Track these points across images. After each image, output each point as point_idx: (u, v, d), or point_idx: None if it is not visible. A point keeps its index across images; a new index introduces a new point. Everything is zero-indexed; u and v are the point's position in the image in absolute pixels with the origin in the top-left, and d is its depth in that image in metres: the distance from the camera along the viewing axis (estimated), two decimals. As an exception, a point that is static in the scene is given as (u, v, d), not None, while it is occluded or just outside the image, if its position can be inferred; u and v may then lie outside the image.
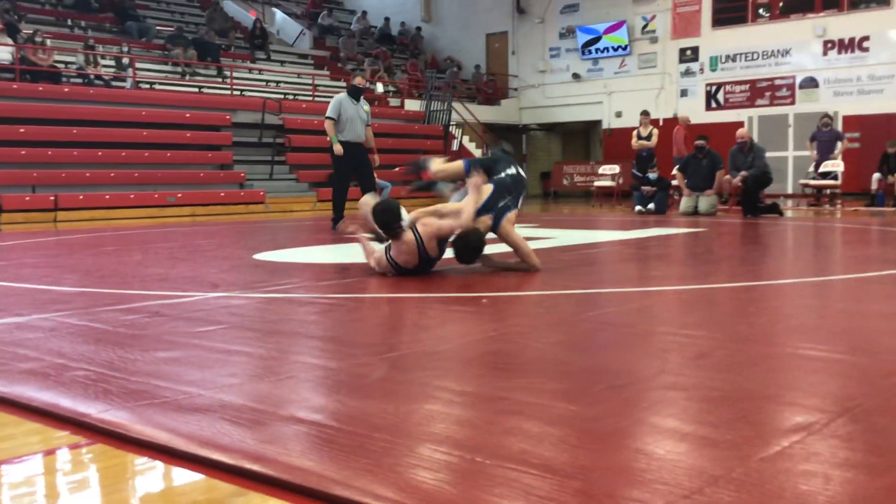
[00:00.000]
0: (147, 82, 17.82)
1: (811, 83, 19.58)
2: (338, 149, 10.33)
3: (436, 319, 4.04)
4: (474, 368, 3.00)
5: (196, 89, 18.38)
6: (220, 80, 19.26)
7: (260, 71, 20.75)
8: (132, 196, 14.65)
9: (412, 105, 22.03)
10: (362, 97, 10.76)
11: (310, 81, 20.81)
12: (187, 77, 18.89)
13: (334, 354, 3.21)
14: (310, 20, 25.88)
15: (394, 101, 22.00)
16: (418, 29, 26.85)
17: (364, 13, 26.93)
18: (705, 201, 12.93)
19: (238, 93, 18.73)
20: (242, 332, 3.63)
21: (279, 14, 25.73)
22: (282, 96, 19.28)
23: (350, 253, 7.54)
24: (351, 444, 2.06)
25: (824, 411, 2.28)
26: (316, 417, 2.29)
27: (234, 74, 19.31)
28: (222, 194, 15.86)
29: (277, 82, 20.50)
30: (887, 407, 2.34)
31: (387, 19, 26.70)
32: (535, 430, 2.14)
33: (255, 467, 1.92)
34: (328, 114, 10.48)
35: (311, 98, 19.98)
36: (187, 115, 16.57)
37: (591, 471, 1.86)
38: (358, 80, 10.89)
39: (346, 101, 10.51)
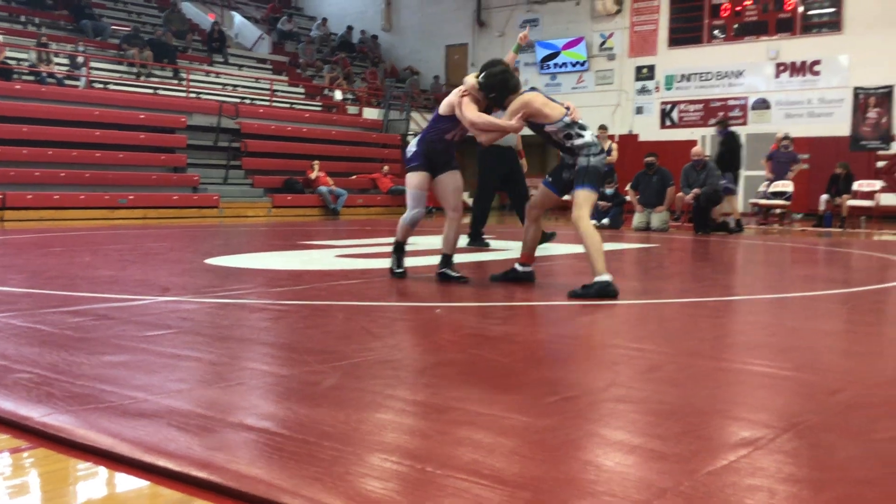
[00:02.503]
0: (101, 82, 17.55)
1: (763, 104, 19.97)
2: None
3: (389, 328, 4.02)
4: (427, 378, 2.99)
5: (151, 90, 18.15)
6: (175, 81, 19.05)
7: (217, 74, 20.56)
8: (82, 197, 14.39)
9: (370, 113, 22.01)
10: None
11: (268, 86, 20.67)
12: (142, 78, 18.64)
13: (286, 361, 3.18)
14: (269, 25, 25.73)
15: (352, 109, 21.95)
16: (374, 37, 26.85)
17: (324, 20, 26.85)
18: (658, 217, 13.11)
19: (194, 95, 18.53)
20: (192, 337, 3.58)
21: (238, 17, 25.53)
22: (239, 100, 19.13)
23: (305, 259, 7.48)
24: (300, 452, 2.03)
25: (771, 427, 2.32)
26: (265, 425, 2.27)
27: (191, 77, 19.12)
28: (175, 197, 15.66)
29: (234, 86, 20.33)
30: (832, 423, 2.39)
31: (350, 28, 26.66)
32: (486, 441, 2.14)
33: (202, 474, 1.89)
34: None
35: (268, 103, 19.85)
36: (141, 116, 16.36)
37: (542, 482, 1.86)
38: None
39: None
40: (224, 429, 2.23)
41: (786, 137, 16.12)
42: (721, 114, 18.67)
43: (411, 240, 6.08)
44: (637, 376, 3.02)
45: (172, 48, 19.96)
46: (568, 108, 5.14)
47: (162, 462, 1.97)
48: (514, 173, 8.99)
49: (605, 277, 4.86)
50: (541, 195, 5.43)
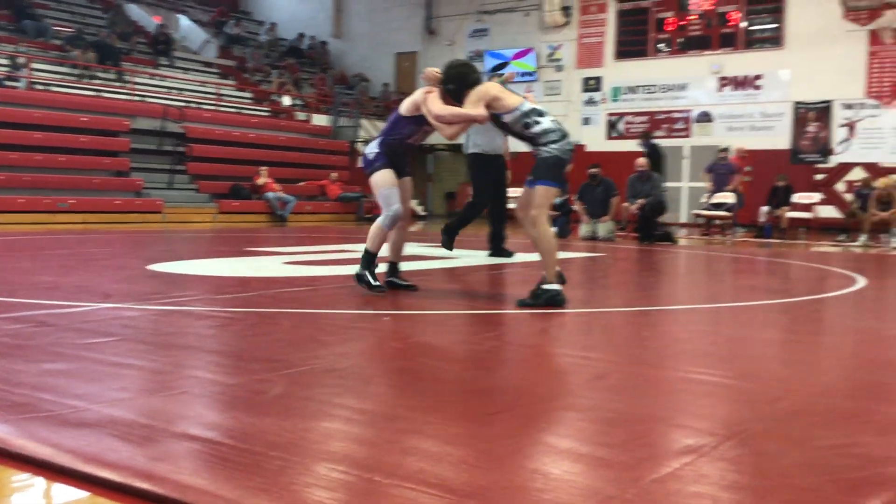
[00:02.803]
0: (43, 83, 17.15)
1: (706, 117, 20.36)
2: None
3: (337, 336, 4.00)
4: (374, 386, 2.98)
5: (94, 93, 17.80)
6: (119, 84, 18.72)
7: (162, 77, 20.25)
8: (22, 200, 14.04)
9: (319, 120, 21.89)
10: None
11: (214, 90, 20.44)
12: (85, 80, 18.28)
13: (231, 370, 3.14)
14: (216, 28, 25.45)
15: (301, 115, 21.82)
16: (324, 43, 26.73)
17: (273, 24, 26.66)
18: (604, 227, 13.26)
19: (138, 98, 18.23)
20: (135, 345, 3.51)
21: (184, 20, 25.20)
22: (184, 104, 18.86)
23: (252, 266, 7.40)
24: (246, 462, 2.01)
25: (713, 434, 2.35)
26: (210, 434, 2.23)
27: (135, 79, 18.81)
28: (118, 202, 15.38)
29: (180, 89, 20.05)
30: (773, 431, 2.43)
31: (301, 35, 26.52)
32: (433, 450, 2.14)
33: (145, 485, 1.85)
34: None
35: (214, 107, 19.62)
36: (84, 118, 16.03)
37: (489, 491, 1.86)
38: (508, 75, 9.26)
39: None
40: (167, 439, 2.19)
41: (723, 149, 16.56)
42: (647, 126, 19.12)
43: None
44: (584, 385, 3.04)
45: (117, 50, 19.62)
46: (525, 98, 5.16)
47: (103, 473, 1.92)
48: (499, 184, 8.87)
49: (555, 287, 4.88)
50: (525, 197, 5.18)
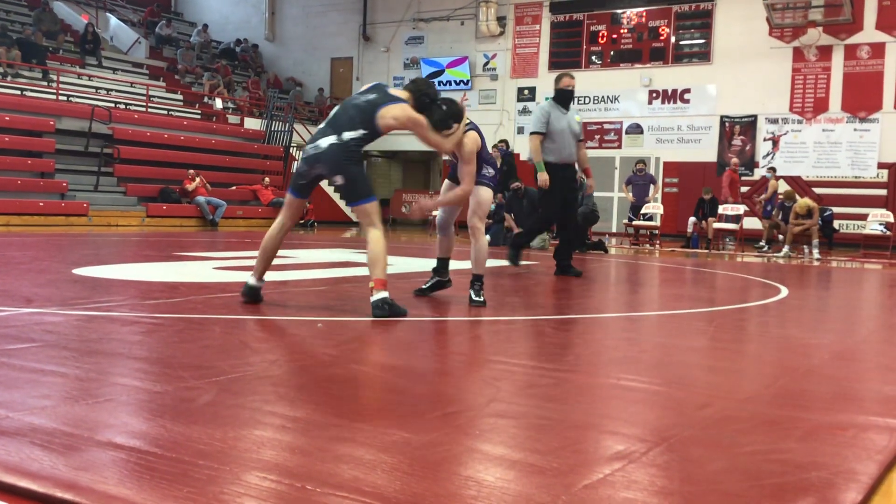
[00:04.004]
0: (-37, 80, 16.61)
1: (636, 129, 20.77)
2: (542, 178, 7.93)
3: (269, 342, 3.94)
4: (307, 393, 2.94)
5: (18, 92, 17.28)
6: (45, 83, 18.21)
7: (90, 77, 19.77)
8: (-62, 201, 13.55)
9: (252, 123, 21.64)
10: (573, 104, 8.26)
11: (143, 91, 20.03)
12: (9, 78, 17.74)
13: (159, 377, 3.06)
14: (146, 29, 24.97)
15: (233, 119, 21.53)
16: (255, 46, 26.44)
17: (205, 26, 26.27)
18: (537, 237, 13.37)
19: (64, 98, 17.76)
20: (57, 351, 3.41)
21: (114, 20, 24.67)
22: (112, 105, 18.44)
23: (181, 271, 7.26)
24: (173, 471, 1.96)
25: (643, 440, 2.39)
26: (136, 443, 2.17)
27: (62, 79, 18.32)
28: (41, 204, 14.94)
29: (108, 90, 19.60)
30: (701, 437, 2.48)
31: (239, 41, 26.18)
32: (367, 458, 2.12)
33: (68, 496, 1.79)
34: (534, 128, 8.08)
35: (144, 109, 19.22)
36: (7, 118, 15.55)
37: (423, 498, 1.85)
38: (565, 81, 8.18)
39: (554, 109, 8.04)
40: (91, 447, 2.12)
41: (640, 161, 17.11)
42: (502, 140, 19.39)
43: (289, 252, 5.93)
44: (517, 392, 3.06)
45: (42, 48, 19.10)
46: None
47: (23, 483, 1.85)
48: (568, 197, 8.20)
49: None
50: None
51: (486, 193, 5.47)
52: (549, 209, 8.28)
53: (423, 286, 5.86)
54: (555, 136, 7.88)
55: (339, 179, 4.84)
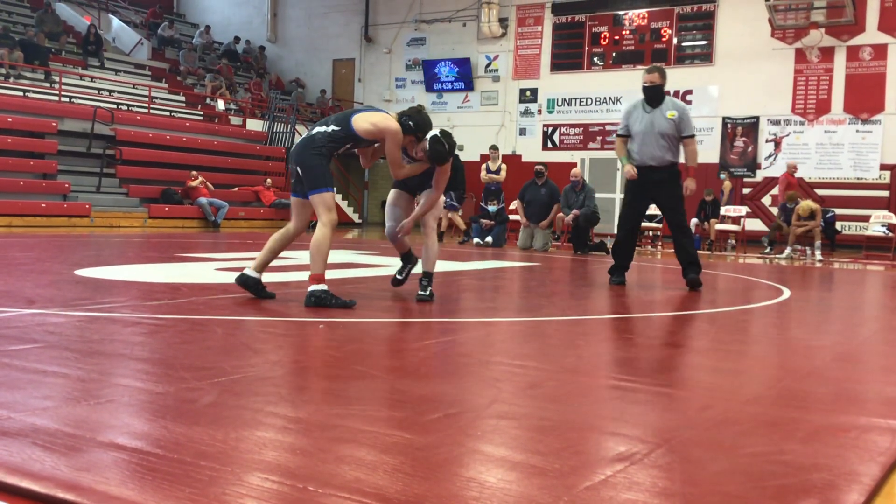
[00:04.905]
0: (-35, 82, 16.63)
1: (639, 131, 20.75)
2: (627, 170, 7.47)
3: (270, 343, 3.95)
4: (308, 395, 2.94)
5: (21, 93, 17.30)
6: (47, 85, 18.23)
7: (92, 79, 19.79)
8: (-60, 202, 13.56)
9: (254, 125, 21.65)
10: (667, 100, 7.65)
11: (146, 93, 20.05)
12: (11, 80, 17.76)
13: (160, 378, 3.06)
14: (149, 30, 24.99)
15: (235, 120, 21.54)
16: (262, 48, 26.47)
17: (208, 27, 26.29)
18: (540, 238, 13.39)
19: (67, 99, 17.77)
20: (59, 352, 3.41)
21: (116, 21, 24.69)
22: (114, 106, 18.46)
23: (183, 272, 7.26)
24: (175, 472, 1.96)
25: (645, 442, 2.39)
26: (138, 444, 2.17)
27: (64, 80, 18.33)
28: (43, 205, 14.95)
29: (111, 91, 19.62)
30: (703, 439, 2.48)
31: (237, 39, 26.19)
32: (369, 459, 2.12)
33: (69, 496, 1.79)
34: (618, 131, 7.82)
35: (146, 110, 19.24)
36: (9, 119, 15.57)
37: (425, 499, 1.85)
38: (644, 78, 7.60)
39: (636, 108, 7.58)
40: (93, 448, 2.12)
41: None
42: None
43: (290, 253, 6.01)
44: (519, 393, 3.06)
45: (45, 50, 19.12)
46: None
47: (25, 483, 1.86)
48: (661, 197, 7.56)
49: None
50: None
51: (441, 199, 6.08)
52: (622, 213, 7.81)
53: (398, 276, 6.23)
54: (634, 137, 7.46)
55: (298, 170, 5.16)
